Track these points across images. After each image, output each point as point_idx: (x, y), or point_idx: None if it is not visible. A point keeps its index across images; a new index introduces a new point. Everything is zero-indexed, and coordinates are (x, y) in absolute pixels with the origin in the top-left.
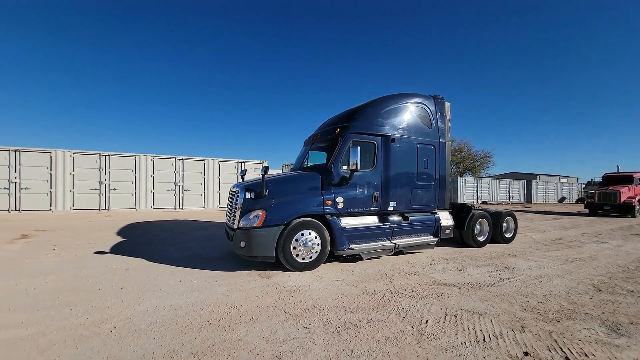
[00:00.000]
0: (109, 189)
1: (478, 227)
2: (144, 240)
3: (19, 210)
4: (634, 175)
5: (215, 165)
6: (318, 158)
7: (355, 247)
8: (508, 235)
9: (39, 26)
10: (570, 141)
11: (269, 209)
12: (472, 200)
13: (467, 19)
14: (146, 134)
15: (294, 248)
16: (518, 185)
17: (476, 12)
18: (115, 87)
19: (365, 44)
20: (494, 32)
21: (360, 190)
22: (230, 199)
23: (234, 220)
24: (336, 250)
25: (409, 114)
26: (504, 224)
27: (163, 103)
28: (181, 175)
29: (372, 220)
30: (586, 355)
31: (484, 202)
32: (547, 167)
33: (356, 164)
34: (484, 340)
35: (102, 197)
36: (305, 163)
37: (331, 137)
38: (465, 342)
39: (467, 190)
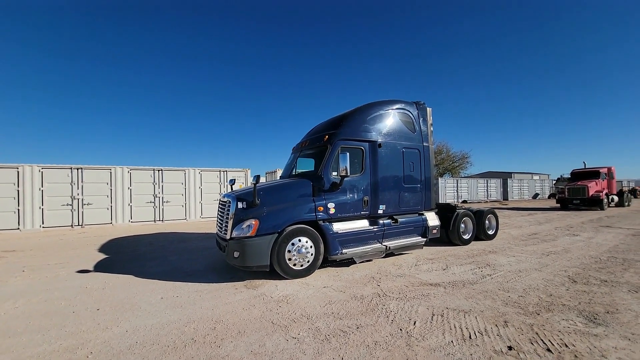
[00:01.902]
0: (83, 204)
1: (463, 225)
2: (121, 257)
3: None
4: (600, 170)
5: (197, 175)
6: (307, 165)
7: (348, 252)
8: (490, 232)
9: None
10: (541, 140)
11: (262, 217)
12: (452, 200)
13: (436, 20)
14: (121, 145)
15: (288, 255)
16: (495, 184)
17: (444, 12)
18: (85, 98)
19: (333, 51)
20: (464, 34)
21: (351, 195)
22: (220, 209)
23: (225, 230)
24: (330, 255)
25: (393, 119)
26: (486, 222)
27: (140, 113)
28: (160, 187)
29: (363, 224)
30: (567, 345)
31: (464, 202)
32: (521, 165)
33: (346, 169)
34: (470, 337)
35: (75, 213)
36: (294, 170)
37: (320, 144)
38: (452, 341)
39: (448, 191)
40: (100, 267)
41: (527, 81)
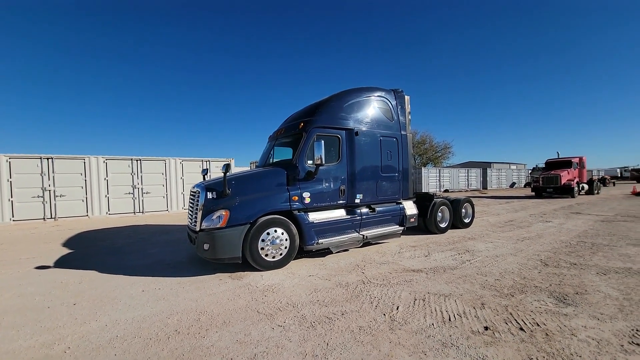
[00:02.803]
0: (55, 196)
1: (440, 214)
2: (98, 250)
3: None
4: (572, 160)
5: (178, 165)
6: (283, 154)
7: (324, 242)
8: (467, 221)
9: None
10: (519, 131)
11: (233, 208)
12: (435, 189)
13: (413, 8)
14: (96, 135)
15: (262, 246)
16: (475, 174)
17: (425, 2)
18: (56, 86)
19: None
20: (442, 23)
21: (327, 184)
22: (191, 200)
23: (195, 222)
24: (305, 245)
25: (371, 107)
26: (463, 210)
27: (122, 105)
28: (139, 177)
29: (340, 213)
30: (538, 325)
31: (446, 190)
32: (500, 155)
33: (321, 158)
34: (449, 320)
35: (47, 205)
36: (271, 159)
37: (295, 131)
38: (433, 324)
39: (431, 180)
40: (76, 261)
41: (508, 74)
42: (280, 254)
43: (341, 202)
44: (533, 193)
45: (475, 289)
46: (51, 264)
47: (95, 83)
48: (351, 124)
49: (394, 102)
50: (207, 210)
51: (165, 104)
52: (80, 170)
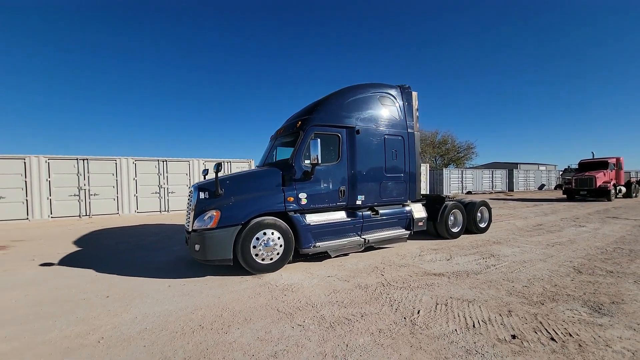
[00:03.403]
0: (89, 195)
1: (452, 218)
2: (128, 246)
3: None
4: (609, 161)
5: (201, 165)
6: (283, 153)
7: (322, 245)
8: (482, 225)
9: None
10: (548, 130)
11: (224, 208)
12: (457, 191)
13: (436, 8)
14: (129, 136)
15: (254, 248)
16: (500, 175)
17: (453, 2)
18: (89, 90)
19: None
20: (470, 23)
21: (325, 185)
22: (188, 200)
23: (189, 222)
24: (301, 248)
25: (375, 104)
26: (478, 214)
27: (153, 104)
28: (165, 178)
29: (340, 215)
30: (570, 335)
31: (469, 192)
32: (527, 156)
33: (317, 157)
34: (473, 326)
35: (82, 203)
36: (274, 159)
37: (292, 130)
38: (456, 330)
39: (452, 182)
40: (108, 256)
41: (534, 70)
42: (273, 258)
43: (341, 203)
44: (564, 196)
45: (501, 296)
46: (85, 258)
47: (117, 85)
48: (352, 122)
49: (400, 99)
50: (199, 211)
51: (190, 105)
52: (112, 171)
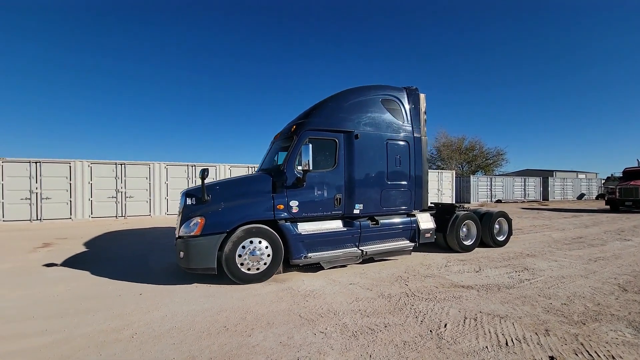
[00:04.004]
0: (126, 197)
1: (465, 229)
2: (159, 246)
3: (40, 219)
4: None
5: (227, 170)
6: (280, 159)
7: (315, 256)
8: (501, 238)
9: None
10: (587, 136)
11: (209, 215)
12: (485, 199)
13: (471, 16)
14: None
15: (240, 257)
16: (534, 183)
17: (482, 9)
18: (130, 94)
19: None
20: (500, 28)
21: (319, 193)
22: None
23: (177, 228)
24: (292, 259)
25: (376, 107)
26: (496, 226)
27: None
28: (194, 182)
29: (336, 225)
30: (614, 358)
31: (499, 201)
32: (564, 163)
33: (308, 163)
34: (506, 344)
35: (119, 205)
36: (272, 164)
37: (287, 135)
38: (487, 347)
39: (481, 189)
40: (141, 256)
41: (572, 73)
42: (260, 267)
43: (336, 212)
44: (607, 206)
45: (537, 313)
46: (121, 257)
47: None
48: (351, 126)
49: (405, 101)
50: (185, 217)
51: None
52: (145, 175)
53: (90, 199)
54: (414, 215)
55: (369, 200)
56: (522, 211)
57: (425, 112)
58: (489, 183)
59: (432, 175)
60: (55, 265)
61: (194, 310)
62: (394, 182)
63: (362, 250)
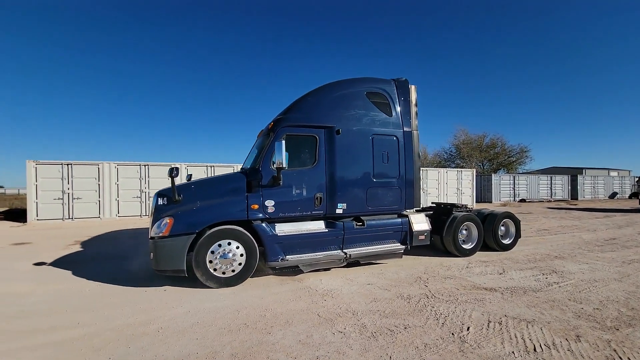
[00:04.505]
0: (148, 197)
1: (464, 232)
2: None
3: (71, 218)
4: None
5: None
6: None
7: (293, 258)
8: (506, 242)
9: None
10: (619, 131)
11: (178, 215)
12: (508, 199)
13: (489, 13)
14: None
15: (210, 261)
16: (561, 181)
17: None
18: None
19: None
20: (523, 26)
21: (298, 191)
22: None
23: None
24: (268, 261)
25: (361, 100)
26: (501, 228)
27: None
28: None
29: (317, 226)
30: None
31: (522, 200)
32: (595, 160)
33: (282, 161)
34: (534, 350)
35: (143, 205)
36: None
37: (266, 132)
38: (513, 352)
39: (503, 188)
40: None
41: (604, 66)
42: (234, 270)
43: (318, 212)
44: None
45: (567, 318)
46: (145, 255)
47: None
48: (332, 121)
49: (393, 94)
50: (156, 217)
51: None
52: (166, 175)
53: (117, 198)
54: (405, 216)
55: (353, 200)
56: (549, 211)
57: (416, 105)
58: (511, 181)
59: (451, 174)
60: (84, 261)
61: (215, 307)
62: (381, 180)
63: (345, 253)
